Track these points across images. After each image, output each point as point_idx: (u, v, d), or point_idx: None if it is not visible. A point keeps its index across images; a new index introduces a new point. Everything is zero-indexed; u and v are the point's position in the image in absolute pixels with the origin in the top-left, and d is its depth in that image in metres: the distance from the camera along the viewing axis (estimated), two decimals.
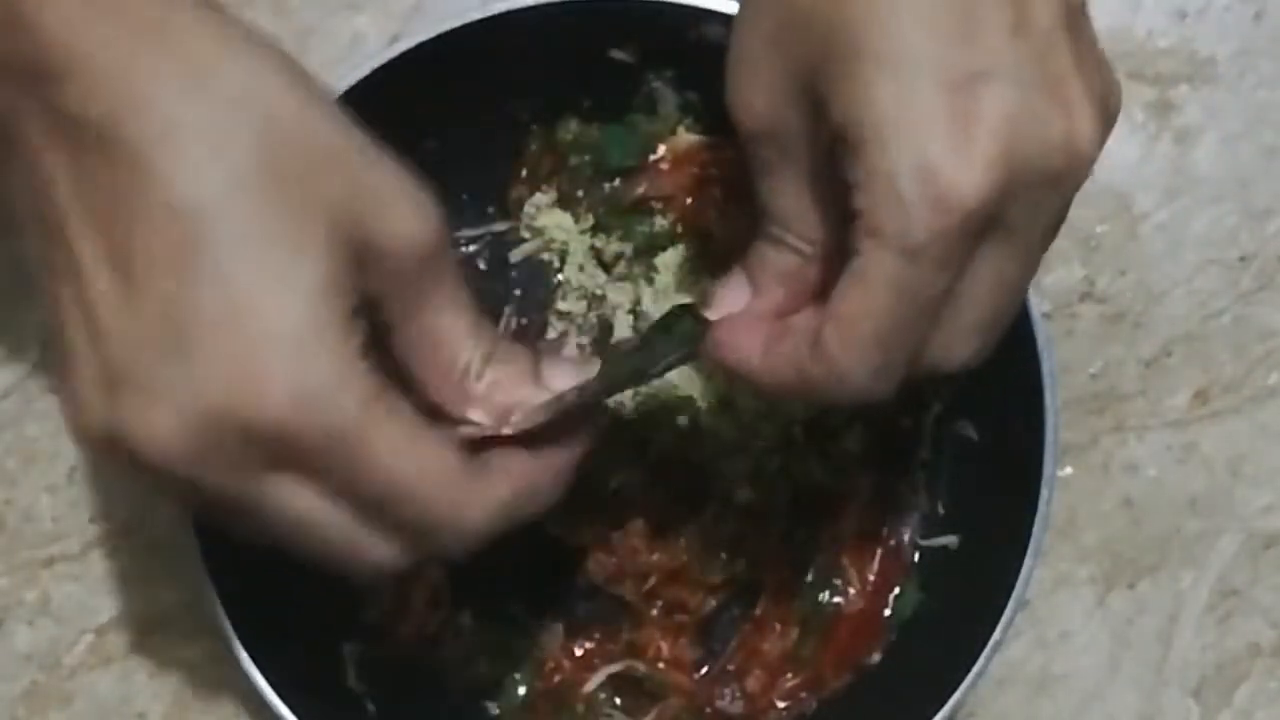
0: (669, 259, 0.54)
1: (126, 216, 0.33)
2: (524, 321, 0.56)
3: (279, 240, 0.34)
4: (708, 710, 0.55)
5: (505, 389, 0.38)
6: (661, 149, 0.56)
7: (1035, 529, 0.50)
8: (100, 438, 0.35)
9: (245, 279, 0.33)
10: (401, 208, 0.36)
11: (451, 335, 0.38)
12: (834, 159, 0.36)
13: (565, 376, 0.39)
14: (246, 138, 0.34)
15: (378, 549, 0.37)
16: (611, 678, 0.55)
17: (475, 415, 0.38)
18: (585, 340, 0.54)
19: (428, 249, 0.36)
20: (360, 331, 0.35)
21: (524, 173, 0.56)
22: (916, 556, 0.55)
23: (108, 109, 0.33)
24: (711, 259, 0.54)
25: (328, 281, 0.34)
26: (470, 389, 0.38)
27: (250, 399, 0.33)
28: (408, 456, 0.35)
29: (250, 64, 0.35)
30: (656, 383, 0.53)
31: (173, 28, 0.34)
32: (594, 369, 0.40)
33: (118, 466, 0.35)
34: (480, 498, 0.37)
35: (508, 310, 0.56)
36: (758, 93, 0.38)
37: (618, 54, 0.53)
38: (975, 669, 0.49)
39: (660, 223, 0.55)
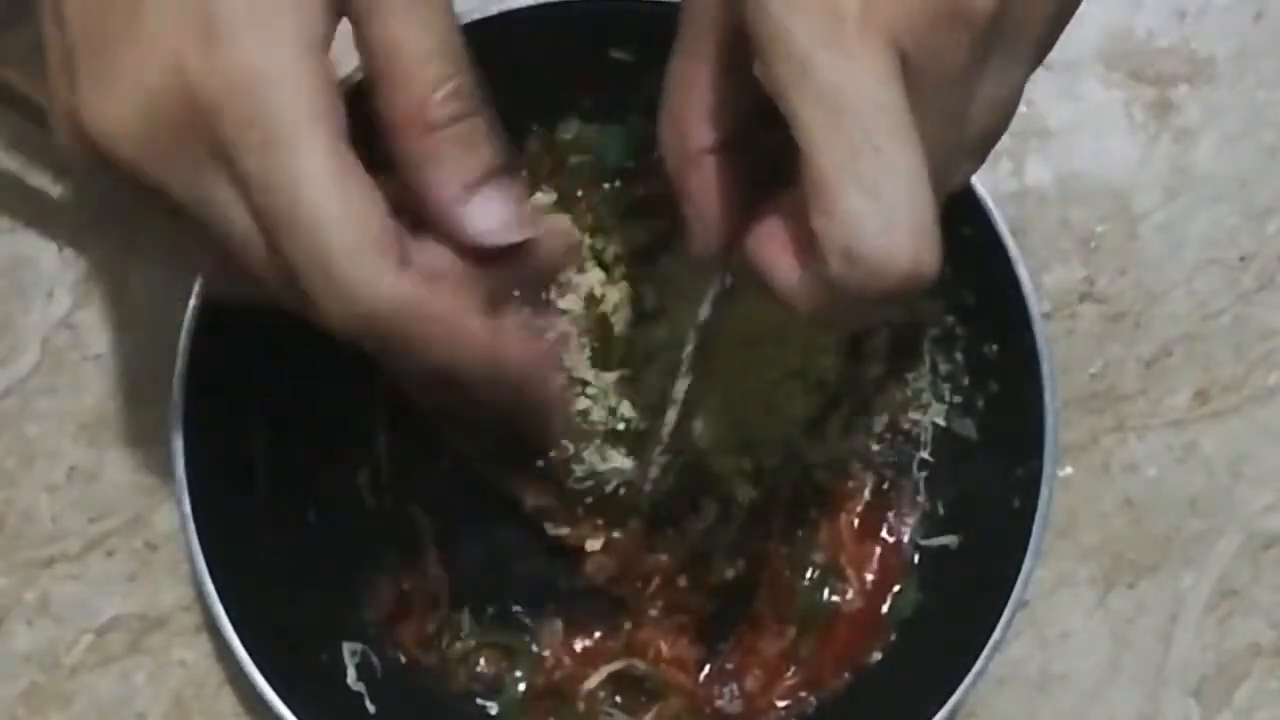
0: (669, 259, 0.54)
1: None
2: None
3: None
4: (707, 709, 0.55)
5: (459, 157, 0.36)
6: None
7: (1035, 529, 0.50)
8: (69, 127, 0.35)
9: None
10: None
11: (405, 47, 0.35)
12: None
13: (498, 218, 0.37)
14: None
15: (257, 268, 0.35)
16: (611, 676, 0.55)
17: (430, 167, 0.36)
18: (585, 340, 0.54)
19: None
20: (323, 25, 0.34)
21: (524, 173, 0.56)
22: (916, 556, 0.55)
23: None
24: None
25: None
26: (429, 123, 0.36)
27: (194, 72, 0.33)
28: (326, 184, 0.33)
29: None
30: (655, 381, 0.53)
31: None
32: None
33: (91, 161, 0.35)
34: (382, 279, 0.34)
35: None
36: None
37: (618, 54, 0.53)
38: (975, 669, 0.49)
39: (660, 223, 0.55)
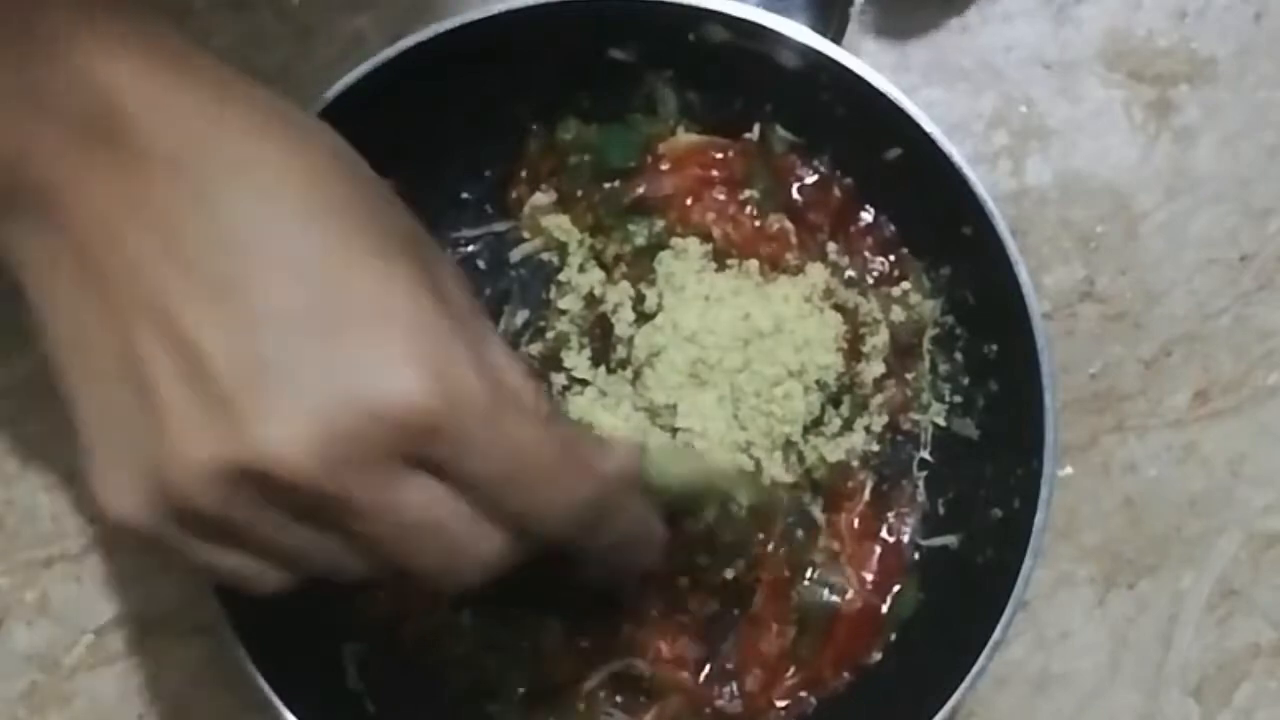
0: (669, 259, 0.54)
1: (215, 242, 0.33)
2: (524, 320, 0.56)
3: (377, 245, 0.34)
4: (707, 709, 0.55)
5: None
6: (661, 149, 0.56)
7: (1035, 529, 0.50)
8: (209, 477, 0.33)
9: (356, 281, 0.34)
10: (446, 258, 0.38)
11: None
12: None
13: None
14: (326, 162, 0.35)
15: (489, 542, 0.36)
16: (611, 676, 0.55)
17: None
18: (585, 340, 0.54)
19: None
20: None
21: (524, 173, 0.56)
22: (916, 556, 0.55)
23: (182, 141, 0.34)
24: (711, 259, 0.54)
25: (429, 279, 0.35)
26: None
27: (389, 386, 0.33)
28: (540, 428, 0.36)
29: (306, 118, 0.36)
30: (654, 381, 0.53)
31: (234, 81, 0.35)
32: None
33: (226, 508, 0.34)
34: (593, 469, 0.38)
35: (507, 309, 0.56)
36: None
37: (618, 54, 0.53)
38: (975, 669, 0.49)
39: (660, 223, 0.55)
